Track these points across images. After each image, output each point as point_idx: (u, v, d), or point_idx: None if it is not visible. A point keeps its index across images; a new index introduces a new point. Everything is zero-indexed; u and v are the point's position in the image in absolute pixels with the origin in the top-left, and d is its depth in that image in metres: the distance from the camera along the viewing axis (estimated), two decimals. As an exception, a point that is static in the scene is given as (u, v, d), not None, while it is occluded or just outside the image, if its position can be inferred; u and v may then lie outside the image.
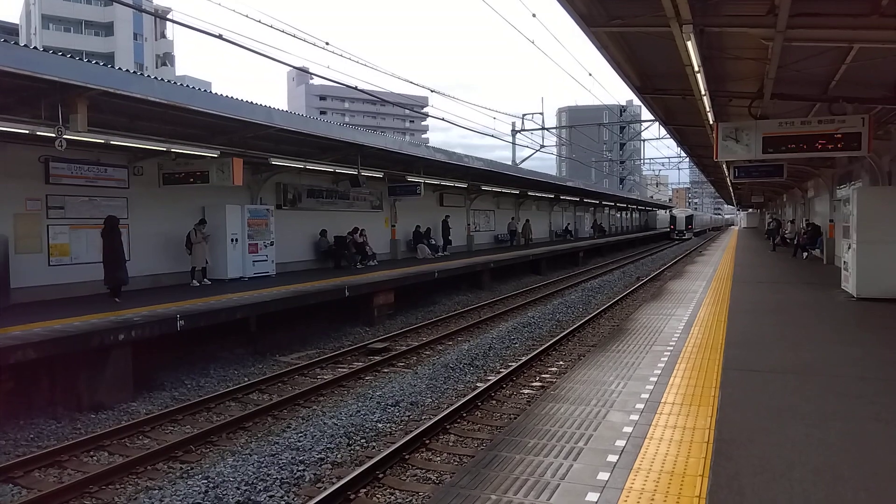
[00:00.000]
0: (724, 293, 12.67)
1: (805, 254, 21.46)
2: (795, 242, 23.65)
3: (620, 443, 4.55)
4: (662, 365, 6.81)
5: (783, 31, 6.56)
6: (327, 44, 12.76)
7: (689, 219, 67.42)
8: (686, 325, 9.15)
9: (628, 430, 4.81)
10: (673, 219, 65.92)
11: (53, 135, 9.34)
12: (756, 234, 46.54)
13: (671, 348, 7.63)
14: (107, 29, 54.52)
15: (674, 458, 4.23)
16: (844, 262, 12.22)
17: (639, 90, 10.65)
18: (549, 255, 27.50)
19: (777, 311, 10.50)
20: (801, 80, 9.31)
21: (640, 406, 5.38)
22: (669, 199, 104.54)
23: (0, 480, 6.17)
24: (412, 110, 79.25)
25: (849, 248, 11.65)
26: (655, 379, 6.24)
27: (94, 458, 6.89)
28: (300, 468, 6.15)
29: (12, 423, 7.65)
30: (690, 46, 7.03)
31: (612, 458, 4.28)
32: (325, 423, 7.38)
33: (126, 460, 6.53)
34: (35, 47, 9.38)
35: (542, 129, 36.18)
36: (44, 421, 7.83)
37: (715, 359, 6.98)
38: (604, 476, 3.99)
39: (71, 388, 8.44)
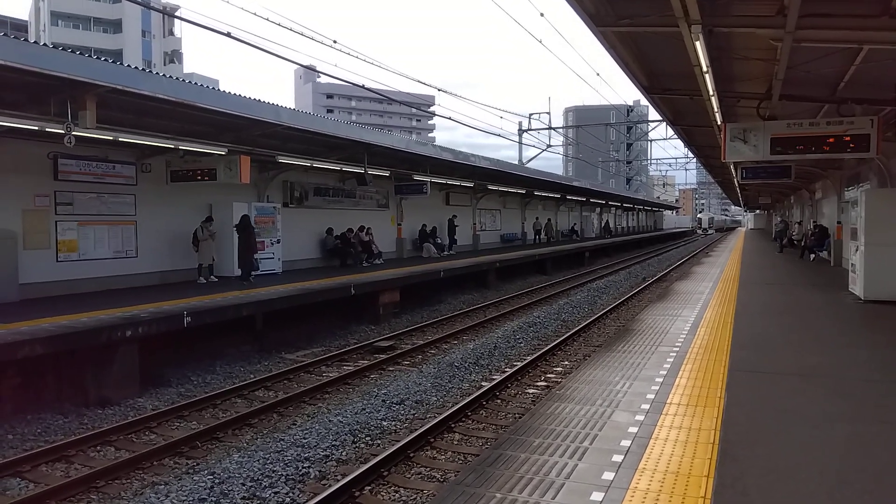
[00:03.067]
0: (730, 294, 12.63)
1: (812, 255, 21.37)
2: (803, 244, 23.55)
3: (626, 443, 4.55)
4: (668, 366, 6.80)
5: (792, 32, 6.53)
6: (335, 42, 12.81)
7: (711, 220, 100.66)
8: (692, 326, 9.13)
9: (634, 430, 4.81)
10: (700, 220, 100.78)
11: (62, 131, 9.40)
12: (763, 236, 46.37)
13: (677, 349, 7.62)
14: (115, 26, 54.78)
15: (679, 459, 4.23)
16: (852, 264, 12.17)
17: (646, 90, 10.62)
18: (554, 254, 27.47)
19: (784, 312, 10.47)
20: (809, 82, 9.27)
21: (645, 406, 5.38)
22: (676, 200, 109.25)
23: (8, 474, 6.21)
24: (419, 109, 79.25)
25: (856, 250, 11.60)
26: (661, 380, 6.23)
27: (101, 452, 6.93)
28: (305, 465, 6.16)
29: (20, 417, 7.70)
30: (699, 47, 7.01)
31: (618, 458, 4.28)
32: (330, 421, 7.40)
33: (132, 455, 6.57)
34: (44, 44, 9.43)
35: (549, 128, 36.18)
36: (51, 416, 7.88)
37: (721, 360, 6.97)
38: (609, 476, 3.99)
39: (78, 383, 8.49)
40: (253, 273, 14.34)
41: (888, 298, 10.78)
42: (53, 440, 7.16)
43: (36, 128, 9.78)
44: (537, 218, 36.14)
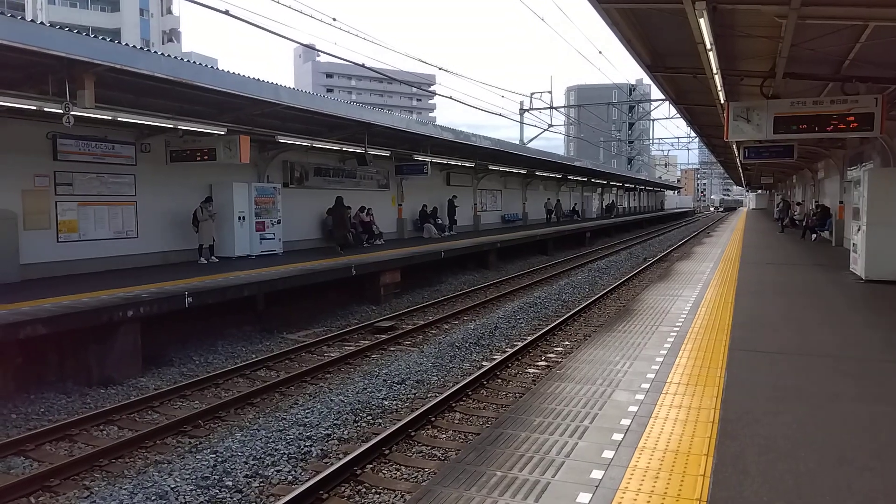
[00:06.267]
0: (731, 274, 12.63)
1: (814, 235, 21.34)
2: (804, 224, 23.51)
3: (626, 422, 4.57)
4: (668, 345, 6.81)
5: (797, 9, 6.46)
6: (334, 20, 12.68)
7: (723, 201, 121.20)
8: (693, 306, 9.14)
9: (634, 409, 4.83)
10: (712, 200, 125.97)
11: (61, 111, 9.33)
12: (765, 216, 46.27)
13: (678, 329, 7.63)
14: (113, 4, 54.16)
15: (679, 438, 4.24)
16: (853, 244, 12.14)
17: (649, 68, 10.52)
18: (555, 235, 27.44)
19: (784, 292, 10.46)
20: (814, 60, 9.18)
21: (645, 386, 5.39)
22: (678, 180, 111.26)
23: (12, 453, 6.26)
24: (420, 88, 78.76)
25: (858, 230, 11.56)
26: (661, 359, 6.24)
27: (104, 432, 6.98)
28: (307, 443, 6.21)
29: (23, 397, 7.75)
30: (703, 24, 6.93)
31: (618, 436, 4.30)
32: (332, 400, 7.45)
33: (135, 434, 6.62)
34: (42, 22, 9.33)
35: (551, 108, 35.93)
36: (54, 395, 7.92)
37: (721, 339, 6.98)
38: (609, 454, 4.01)
39: (80, 363, 8.53)
40: (344, 246, 16.95)
41: (889, 278, 10.77)
42: (57, 419, 7.21)
43: (34, 107, 9.72)
44: (549, 199, 37.45)
